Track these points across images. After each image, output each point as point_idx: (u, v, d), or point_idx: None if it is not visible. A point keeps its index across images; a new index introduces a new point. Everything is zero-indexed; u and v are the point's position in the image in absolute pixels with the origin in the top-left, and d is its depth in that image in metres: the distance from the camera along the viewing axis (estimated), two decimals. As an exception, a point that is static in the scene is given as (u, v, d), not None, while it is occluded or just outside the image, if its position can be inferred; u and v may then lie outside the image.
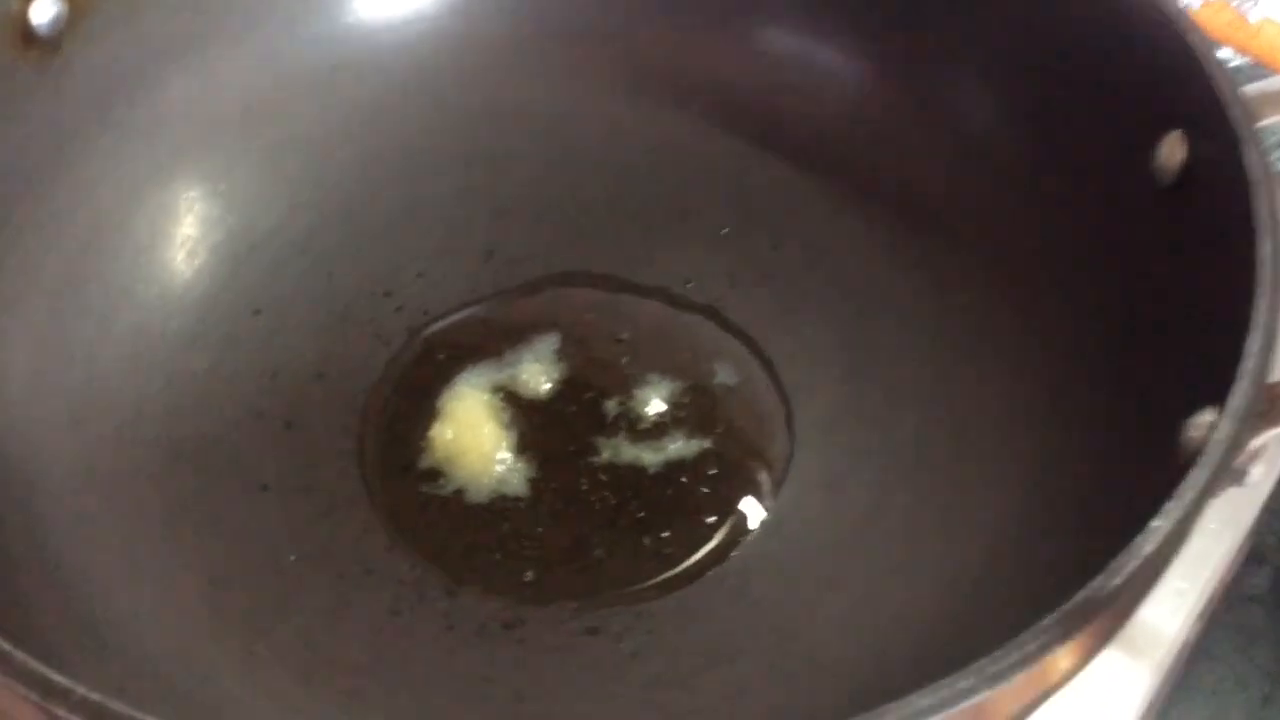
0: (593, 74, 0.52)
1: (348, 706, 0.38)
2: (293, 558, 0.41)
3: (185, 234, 0.48)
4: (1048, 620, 0.26)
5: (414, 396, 0.45)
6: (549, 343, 0.46)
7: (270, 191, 0.49)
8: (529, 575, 0.41)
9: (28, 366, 0.43)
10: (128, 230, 0.47)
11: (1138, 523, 0.29)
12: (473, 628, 0.40)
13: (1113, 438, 0.37)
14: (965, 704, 0.25)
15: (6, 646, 0.27)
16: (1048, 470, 0.39)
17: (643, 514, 0.42)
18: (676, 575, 0.40)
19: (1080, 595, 0.26)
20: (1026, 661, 0.25)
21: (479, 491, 0.43)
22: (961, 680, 0.25)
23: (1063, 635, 0.26)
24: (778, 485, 0.42)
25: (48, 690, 0.26)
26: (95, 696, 0.26)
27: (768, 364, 0.46)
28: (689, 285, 0.48)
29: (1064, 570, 0.34)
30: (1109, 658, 0.39)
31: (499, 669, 0.39)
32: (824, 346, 0.46)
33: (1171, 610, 0.42)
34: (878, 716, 0.25)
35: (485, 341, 0.46)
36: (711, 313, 0.47)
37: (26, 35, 0.44)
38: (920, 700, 0.25)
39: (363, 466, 0.44)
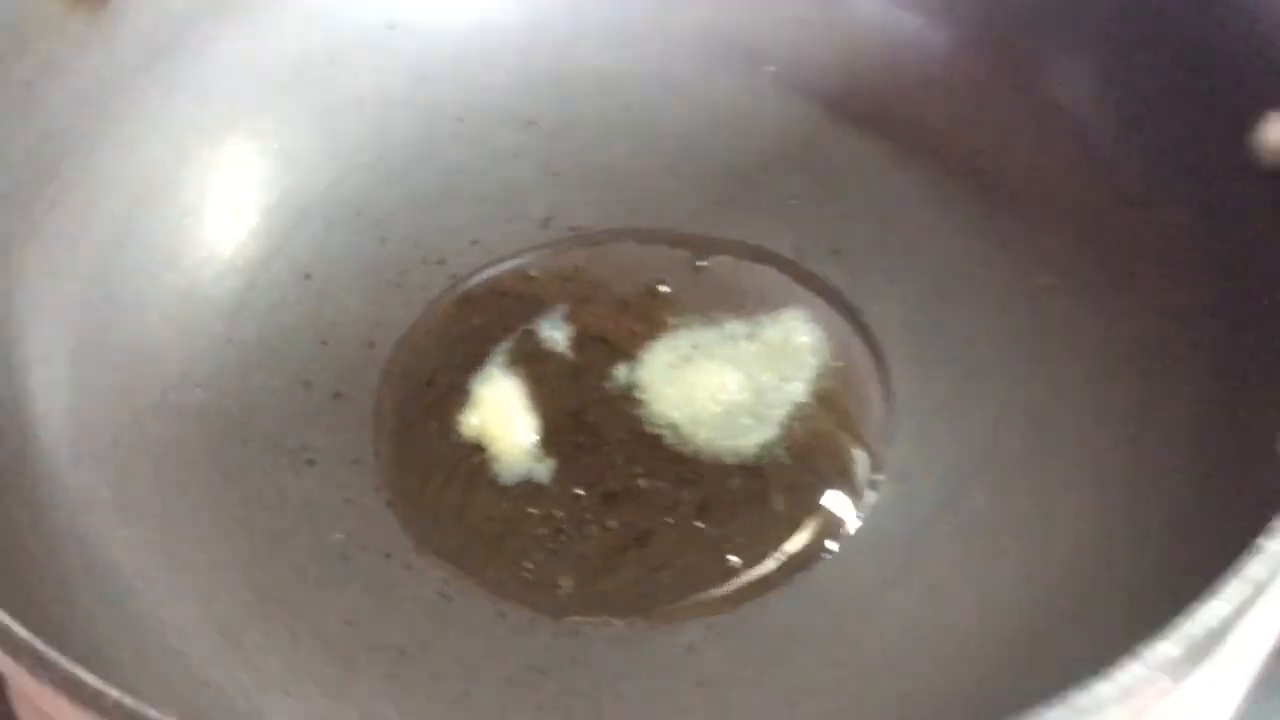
0: (657, 34, 0.50)
1: (390, 691, 0.37)
2: (338, 535, 0.40)
3: (235, 195, 0.46)
4: (1146, 648, 0.24)
5: (466, 370, 0.43)
6: (607, 314, 0.45)
7: (323, 152, 0.48)
8: (578, 578, 0.39)
9: (74, 330, 0.41)
10: (176, 190, 0.45)
11: (1235, 538, 0.27)
12: (524, 617, 0.38)
13: (1208, 443, 0.35)
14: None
15: (43, 649, 0.25)
16: (1135, 474, 0.37)
17: (710, 509, 0.40)
18: (747, 585, 0.38)
19: (1185, 621, 0.24)
20: (1124, 695, 0.23)
21: (534, 478, 0.41)
22: (1051, 712, 0.23)
23: (1164, 665, 0.24)
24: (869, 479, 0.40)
25: (81, 694, 0.25)
26: (129, 701, 0.24)
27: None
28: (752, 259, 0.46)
29: (1150, 585, 0.32)
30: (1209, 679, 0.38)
31: (549, 659, 0.37)
32: (891, 326, 0.44)
33: (1267, 619, 0.40)
34: None
35: (539, 310, 0.45)
36: (779, 282, 0.45)
37: (76, -13, 0.42)
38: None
39: (414, 443, 0.42)
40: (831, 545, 0.39)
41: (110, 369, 0.42)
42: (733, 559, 0.39)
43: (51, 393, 0.40)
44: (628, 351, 0.43)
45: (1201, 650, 0.24)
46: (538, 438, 0.42)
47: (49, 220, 0.42)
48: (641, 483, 0.41)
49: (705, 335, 0.44)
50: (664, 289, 0.45)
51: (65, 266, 0.42)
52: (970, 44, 0.46)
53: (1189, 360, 0.38)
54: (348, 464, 0.42)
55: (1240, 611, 0.24)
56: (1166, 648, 0.24)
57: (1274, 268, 0.36)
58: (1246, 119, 0.37)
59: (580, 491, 0.41)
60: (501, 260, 0.46)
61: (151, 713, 0.24)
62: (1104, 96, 0.43)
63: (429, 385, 0.43)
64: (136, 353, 0.42)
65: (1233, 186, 0.38)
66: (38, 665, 0.25)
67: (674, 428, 0.42)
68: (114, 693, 0.24)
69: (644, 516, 0.40)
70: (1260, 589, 0.24)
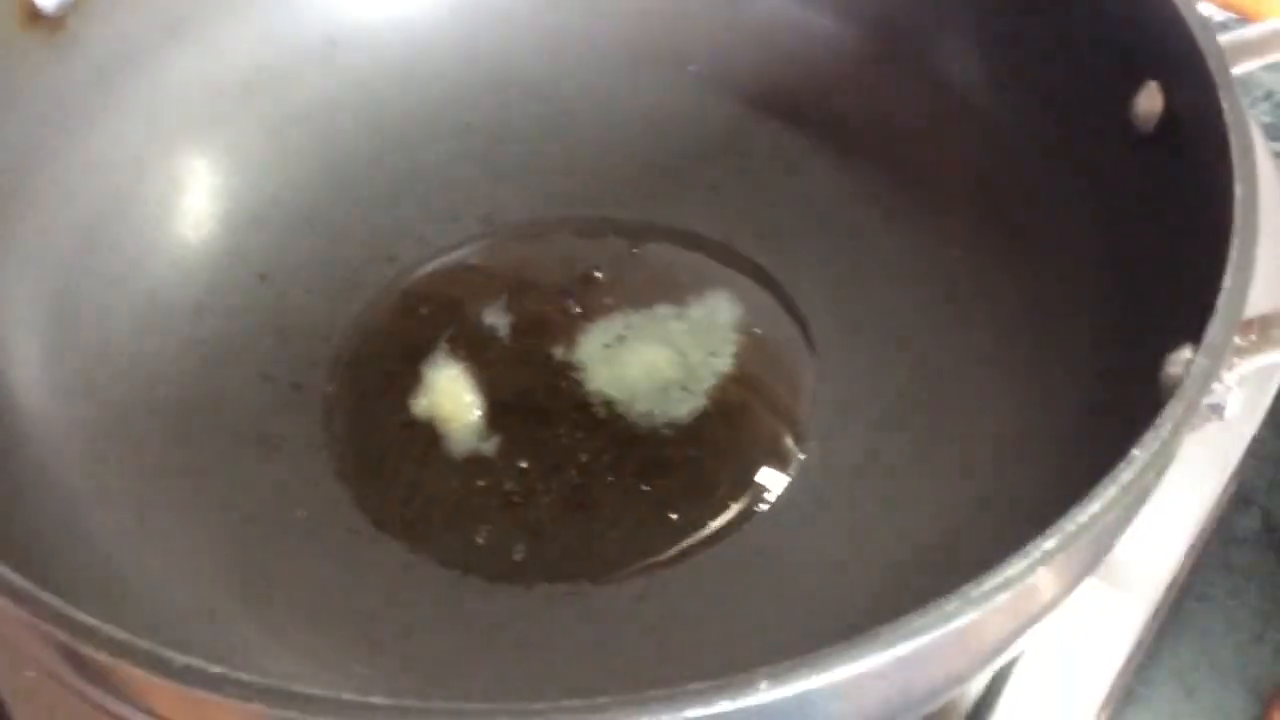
0: (585, 41, 0.54)
1: (364, 652, 0.39)
2: (302, 514, 0.43)
3: (192, 205, 0.49)
4: (1030, 545, 0.27)
5: (415, 357, 0.46)
6: (555, 301, 0.48)
7: (273, 162, 0.51)
8: (529, 543, 0.42)
9: (44, 337, 0.44)
10: (136, 202, 0.48)
11: (1117, 457, 0.30)
12: (482, 577, 0.41)
13: (1097, 377, 0.39)
14: (951, 625, 0.26)
15: (30, 588, 0.28)
16: (1033, 410, 0.40)
17: (650, 474, 0.43)
18: (689, 544, 0.41)
19: (1063, 520, 0.27)
20: (1010, 584, 0.26)
21: (482, 453, 0.44)
22: (948, 604, 0.26)
23: (1044, 558, 0.27)
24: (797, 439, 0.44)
25: (73, 629, 0.27)
26: (122, 635, 0.27)
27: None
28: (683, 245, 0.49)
29: (1050, 504, 0.36)
30: (1101, 595, 0.41)
31: (506, 616, 0.40)
32: (818, 299, 0.47)
33: (1160, 548, 0.44)
34: (870, 639, 0.26)
35: (482, 299, 0.48)
36: (708, 266, 0.48)
37: (32, 12, 0.45)
38: (911, 622, 0.26)
39: (369, 427, 0.45)
40: (764, 501, 0.42)
41: (81, 370, 0.44)
42: (673, 517, 0.42)
43: (28, 391, 0.42)
44: (566, 334, 0.47)
45: (1078, 546, 0.27)
46: (483, 416, 0.45)
47: (17, 232, 0.44)
48: (583, 454, 0.44)
49: (638, 317, 0.47)
50: (600, 275, 0.48)
51: (35, 274, 0.44)
52: (872, 37, 0.50)
53: (1080, 312, 0.41)
54: (308, 449, 0.44)
55: (1108, 510, 0.27)
56: (1044, 542, 0.27)
57: (1152, 220, 0.39)
58: (1125, 90, 0.41)
59: (525, 464, 0.44)
60: (446, 255, 0.49)
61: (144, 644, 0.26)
62: (995, 77, 0.47)
63: (381, 373, 0.46)
64: (105, 355, 0.45)
65: (1115, 151, 0.41)
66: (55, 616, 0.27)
67: (611, 403, 0.45)
68: (105, 628, 0.27)
69: (587, 484, 0.43)
70: (1127, 490, 0.28)
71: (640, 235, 0.50)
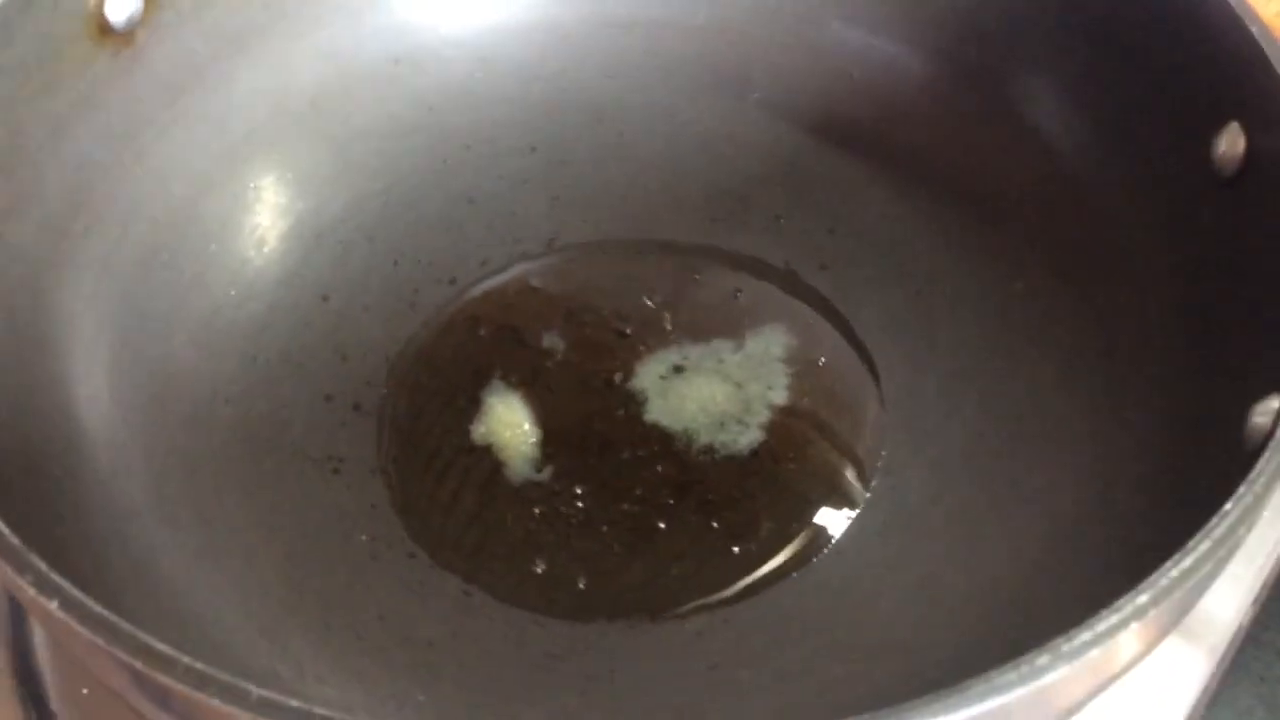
0: (648, 65, 0.53)
1: (421, 680, 0.39)
2: (364, 538, 0.42)
3: (255, 222, 0.49)
4: (1122, 601, 0.26)
5: (475, 381, 0.46)
6: (614, 327, 0.47)
7: (337, 180, 0.50)
8: (589, 576, 0.41)
9: (108, 352, 0.43)
10: (200, 218, 0.48)
11: (1205, 509, 0.29)
12: (540, 607, 0.41)
13: (1177, 426, 0.38)
14: (1040, 681, 0.26)
15: (111, 617, 0.28)
16: (1110, 457, 0.40)
17: (710, 508, 0.43)
18: (752, 579, 0.41)
19: (1154, 577, 0.27)
20: (1100, 639, 0.26)
21: (540, 481, 0.44)
22: (1038, 657, 0.26)
23: (1136, 615, 0.26)
24: (861, 475, 0.43)
25: (151, 659, 0.27)
26: (200, 665, 0.27)
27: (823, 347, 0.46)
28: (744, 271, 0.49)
29: (1129, 556, 0.35)
30: (1168, 644, 0.40)
31: (566, 648, 0.40)
32: (879, 332, 0.47)
33: (1229, 596, 0.43)
34: (956, 693, 0.26)
35: (543, 324, 0.47)
36: (769, 294, 0.48)
37: (102, 27, 0.45)
38: (998, 677, 0.26)
39: (427, 452, 0.45)
40: (828, 538, 0.42)
41: (144, 387, 0.44)
42: (735, 551, 0.42)
43: (92, 407, 0.42)
44: (625, 362, 0.46)
45: (1170, 602, 0.27)
46: (541, 444, 0.45)
47: (82, 248, 0.44)
48: (641, 486, 0.43)
49: (695, 348, 0.47)
50: (660, 301, 0.48)
51: (99, 291, 0.44)
52: (942, 68, 0.50)
53: (1157, 356, 0.41)
54: (369, 472, 0.44)
55: (1200, 567, 0.27)
56: (1137, 597, 0.26)
57: (1234, 264, 0.39)
58: (1207, 131, 0.40)
59: (583, 494, 0.43)
60: (508, 278, 0.49)
61: (224, 676, 0.26)
62: (1070, 113, 0.46)
63: (441, 396, 0.46)
64: (167, 371, 0.45)
65: (1196, 192, 0.40)
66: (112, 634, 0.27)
67: (669, 434, 0.45)
68: (184, 659, 0.26)
69: (646, 517, 0.43)
70: (1219, 544, 0.27)
71: (701, 261, 0.49)
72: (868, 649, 0.39)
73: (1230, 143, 0.40)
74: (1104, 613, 0.26)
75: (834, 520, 0.42)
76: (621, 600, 0.41)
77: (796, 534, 0.42)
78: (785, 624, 0.40)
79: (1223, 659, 0.43)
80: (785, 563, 0.41)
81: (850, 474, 0.43)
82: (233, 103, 0.49)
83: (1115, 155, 0.44)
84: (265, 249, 0.49)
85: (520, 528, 0.43)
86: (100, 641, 0.27)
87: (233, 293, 0.47)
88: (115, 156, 0.46)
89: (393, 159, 0.51)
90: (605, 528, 0.42)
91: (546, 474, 0.44)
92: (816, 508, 0.43)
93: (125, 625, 0.27)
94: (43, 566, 0.29)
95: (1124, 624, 0.26)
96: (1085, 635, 0.26)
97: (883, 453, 0.44)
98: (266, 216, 0.49)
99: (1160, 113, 0.42)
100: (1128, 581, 0.29)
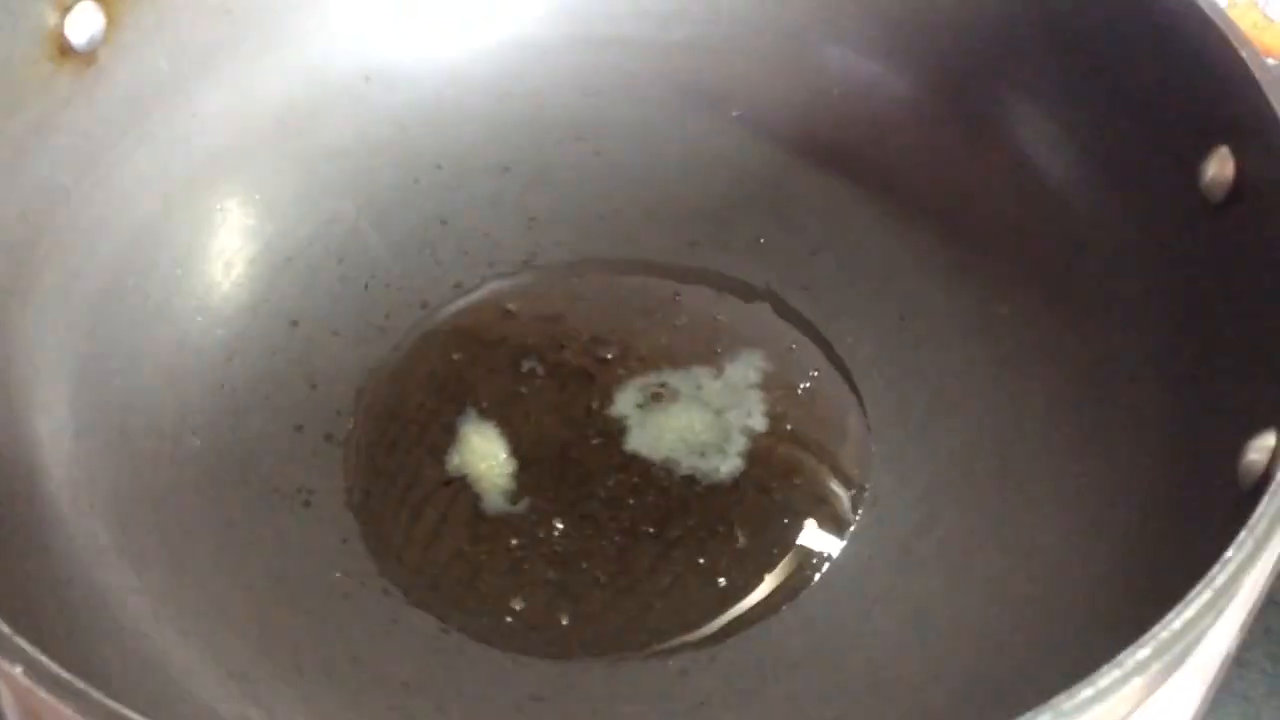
0: (625, 83, 0.52)
1: (397, 723, 0.38)
2: (338, 574, 0.41)
3: (221, 245, 0.48)
4: (1124, 655, 0.26)
5: (450, 408, 0.45)
6: (592, 352, 0.46)
7: (305, 201, 0.49)
8: (570, 613, 0.40)
9: (72, 383, 0.42)
10: (165, 242, 0.46)
11: (1202, 550, 0.28)
12: (520, 646, 0.40)
13: (1168, 461, 0.37)
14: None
15: (74, 681, 0.26)
16: (1100, 491, 0.39)
17: (693, 540, 0.42)
18: (736, 614, 0.40)
19: (1156, 630, 0.26)
20: (1102, 696, 0.25)
21: (517, 513, 0.43)
22: (1039, 715, 0.25)
23: (1139, 668, 0.25)
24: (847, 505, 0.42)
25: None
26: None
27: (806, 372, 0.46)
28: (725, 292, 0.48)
29: (1123, 592, 0.34)
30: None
31: (549, 688, 0.39)
32: (863, 357, 0.46)
33: (1222, 630, 0.42)
34: None
35: (518, 349, 0.46)
36: (749, 315, 0.47)
37: (63, 48, 0.43)
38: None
39: (401, 484, 0.44)
40: (814, 571, 0.41)
41: (108, 419, 0.42)
42: (721, 583, 0.41)
43: (55, 442, 0.41)
44: (604, 387, 0.45)
45: (1172, 654, 0.26)
46: (518, 475, 0.43)
47: (44, 274, 0.43)
48: (623, 518, 0.42)
49: (675, 372, 0.46)
50: (639, 327, 0.47)
51: (61, 319, 0.43)
52: (927, 89, 0.49)
53: (1147, 385, 0.40)
54: (341, 505, 0.43)
55: (1202, 617, 0.26)
56: (1138, 651, 0.26)
57: (1225, 293, 0.38)
58: (1194, 156, 0.39)
59: (562, 527, 0.42)
60: (482, 301, 0.48)
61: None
62: (1057, 136, 0.45)
63: (414, 425, 0.45)
64: (132, 402, 0.43)
65: (1184, 218, 0.40)
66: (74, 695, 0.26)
67: (649, 464, 0.44)
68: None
69: (629, 549, 0.42)
70: (1221, 593, 0.26)
71: (680, 283, 0.48)
72: (856, 688, 0.38)
73: (1220, 167, 0.39)
74: (1105, 668, 0.25)
75: (820, 552, 0.41)
76: (603, 638, 0.40)
77: (783, 566, 0.41)
78: (772, 661, 0.39)
79: (1212, 685, 0.43)
80: (771, 596, 0.40)
81: (836, 504, 0.43)
82: (197, 123, 0.48)
83: (1103, 179, 0.43)
84: (232, 273, 0.47)
85: (497, 563, 0.41)
86: (66, 709, 0.26)
87: (199, 319, 0.46)
88: (76, 180, 0.44)
89: (362, 179, 0.50)
90: (585, 562, 0.41)
91: (523, 506, 0.43)
92: (802, 539, 0.42)
93: (93, 692, 0.26)
94: (5, 629, 0.27)
95: (1125, 679, 0.25)
96: (1087, 692, 0.25)
97: (869, 482, 0.43)
98: (233, 239, 0.48)
99: (1148, 136, 0.41)
100: (1121, 621, 0.28)
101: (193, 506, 0.42)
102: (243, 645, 0.39)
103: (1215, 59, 0.39)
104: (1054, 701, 0.25)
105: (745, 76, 0.52)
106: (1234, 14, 0.60)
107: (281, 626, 0.40)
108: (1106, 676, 0.25)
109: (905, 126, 0.49)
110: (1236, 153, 0.39)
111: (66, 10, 0.43)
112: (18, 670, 0.27)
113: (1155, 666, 0.26)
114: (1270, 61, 0.58)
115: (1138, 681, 0.26)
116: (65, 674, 0.27)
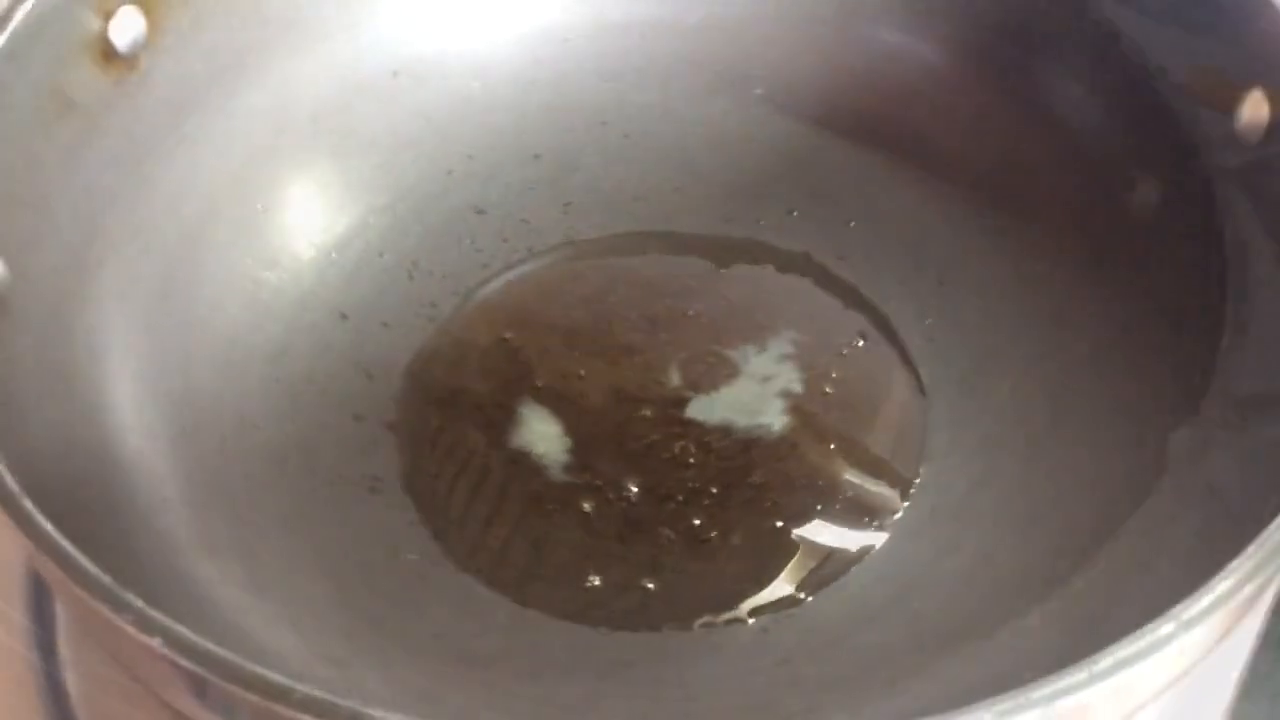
0: (648, 65, 0.53)
1: (487, 697, 0.38)
2: (413, 556, 0.42)
3: (265, 243, 0.48)
4: (1210, 586, 0.27)
5: (507, 391, 0.45)
6: (640, 328, 0.47)
7: (342, 196, 0.50)
8: (645, 584, 0.41)
9: (132, 383, 0.42)
10: (211, 243, 0.47)
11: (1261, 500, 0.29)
12: (603, 615, 0.40)
13: (1201, 394, 0.38)
14: (1109, 681, 0.26)
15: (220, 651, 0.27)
16: (1151, 431, 0.40)
17: (761, 503, 0.42)
18: (811, 571, 0.41)
19: (1216, 580, 0.27)
20: (1157, 645, 0.26)
21: (583, 490, 0.43)
22: (1104, 659, 0.26)
23: (1213, 607, 0.26)
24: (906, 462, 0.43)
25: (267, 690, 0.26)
26: (319, 694, 0.26)
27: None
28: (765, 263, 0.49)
29: (1185, 541, 0.35)
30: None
31: (634, 654, 0.39)
32: (907, 319, 0.47)
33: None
34: (1024, 692, 0.26)
35: (572, 328, 0.47)
36: (796, 286, 0.48)
37: (107, 53, 0.44)
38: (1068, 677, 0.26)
39: (464, 466, 0.44)
40: (882, 527, 0.42)
41: (171, 417, 0.43)
42: (793, 542, 0.41)
43: (125, 442, 0.41)
44: (655, 362, 0.46)
45: (1252, 587, 0.27)
46: (578, 450, 0.44)
47: (100, 278, 0.43)
48: (687, 485, 0.43)
49: (723, 346, 0.46)
50: (685, 301, 0.48)
51: (120, 320, 0.43)
52: (949, 55, 0.50)
53: (1177, 327, 0.41)
54: (408, 489, 0.43)
55: (1261, 568, 0.27)
56: (1222, 584, 0.26)
57: (1256, 237, 0.39)
58: (1229, 100, 0.41)
59: (630, 497, 0.43)
60: (525, 284, 0.49)
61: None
62: (1081, 94, 0.46)
63: (473, 407, 0.45)
64: (192, 401, 0.43)
65: (1218, 166, 0.41)
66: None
67: (708, 428, 0.44)
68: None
69: (697, 515, 0.42)
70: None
71: (721, 257, 0.49)
72: (931, 634, 0.39)
73: (1254, 109, 0.40)
74: (1165, 615, 0.26)
75: (885, 509, 0.42)
76: (681, 602, 0.40)
77: (850, 522, 0.42)
78: (849, 616, 0.40)
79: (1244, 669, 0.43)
80: (841, 552, 0.41)
81: (896, 461, 0.43)
82: (234, 124, 0.48)
83: (1127, 132, 0.45)
84: (278, 270, 0.48)
85: (568, 536, 0.42)
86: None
87: (249, 316, 0.46)
88: (124, 183, 0.45)
89: (396, 172, 0.50)
90: (654, 530, 0.42)
91: (585, 480, 0.43)
92: (866, 496, 0.42)
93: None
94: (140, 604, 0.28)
95: (1217, 606, 0.26)
96: (1167, 627, 0.26)
97: (925, 439, 0.44)
98: (276, 237, 0.48)
99: (1178, 85, 0.42)
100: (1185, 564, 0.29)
101: (262, 498, 0.42)
102: (328, 628, 0.39)
103: (1242, 6, 0.40)
104: (1119, 644, 0.26)
105: (765, 55, 0.53)
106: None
107: (363, 609, 0.40)
108: (1164, 626, 0.26)
109: (932, 94, 0.50)
110: (1270, 96, 0.40)
111: (109, 15, 0.43)
112: (156, 641, 0.27)
113: (1240, 596, 0.27)
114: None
115: (1199, 630, 0.26)
116: (205, 642, 0.27)
